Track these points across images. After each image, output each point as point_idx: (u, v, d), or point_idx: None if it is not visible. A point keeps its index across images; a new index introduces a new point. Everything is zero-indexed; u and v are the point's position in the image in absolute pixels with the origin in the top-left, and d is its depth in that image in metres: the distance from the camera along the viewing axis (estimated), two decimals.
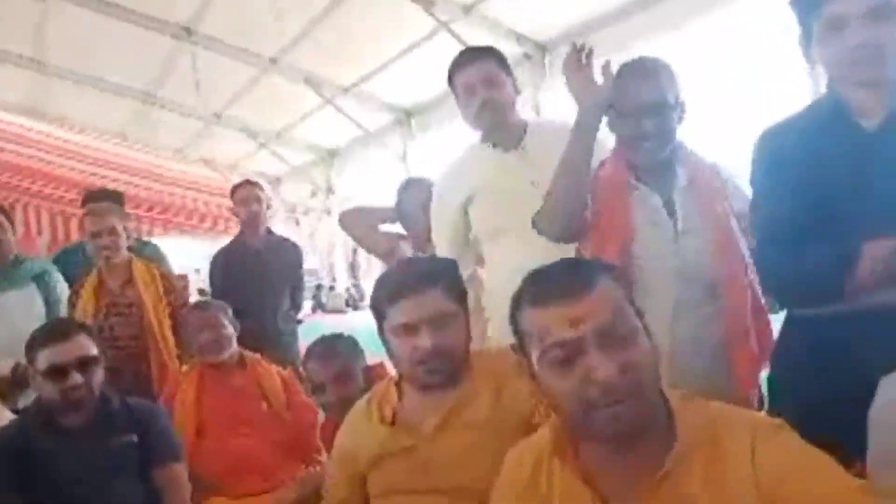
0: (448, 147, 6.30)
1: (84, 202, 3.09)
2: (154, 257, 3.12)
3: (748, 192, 1.52)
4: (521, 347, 0.98)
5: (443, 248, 2.06)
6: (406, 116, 6.35)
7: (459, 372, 1.35)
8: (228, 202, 3.53)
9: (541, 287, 0.94)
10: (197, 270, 6.00)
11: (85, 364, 1.75)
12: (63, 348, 1.73)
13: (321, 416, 2.17)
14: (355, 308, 8.38)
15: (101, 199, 3.07)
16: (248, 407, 2.34)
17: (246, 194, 3.30)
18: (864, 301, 1.21)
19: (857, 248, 1.20)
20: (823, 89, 1.41)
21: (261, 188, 3.36)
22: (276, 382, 2.40)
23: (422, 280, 1.33)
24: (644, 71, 1.58)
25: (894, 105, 1.27)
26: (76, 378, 1.71)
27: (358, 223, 2.58)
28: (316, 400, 2.00)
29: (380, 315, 1.37)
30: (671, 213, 1.56)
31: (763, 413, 1.14)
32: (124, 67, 6.07)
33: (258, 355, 2.50)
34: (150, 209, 6.40)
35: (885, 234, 1.19)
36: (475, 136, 2.03)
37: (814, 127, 1.35)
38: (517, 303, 0.97)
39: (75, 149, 6.52)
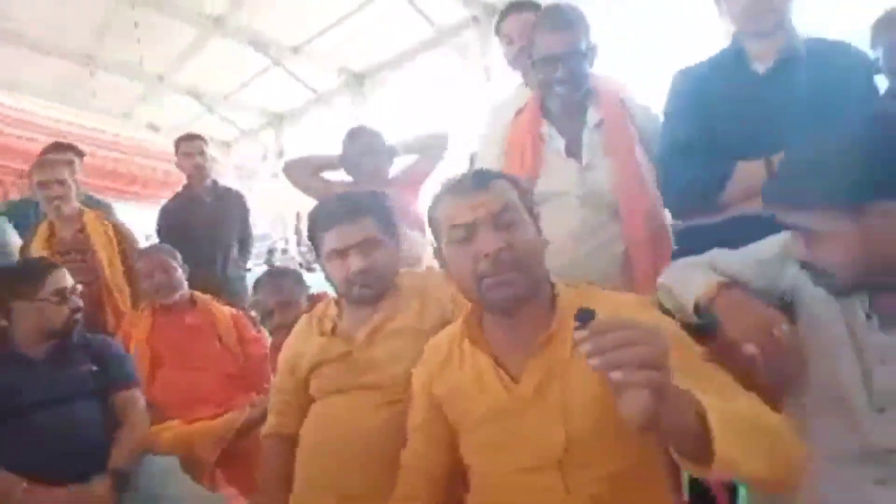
0: (401, 110, 6.39)
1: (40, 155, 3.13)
2: (104, 210, 3.18)
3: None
4: (435, 237, 1.19)
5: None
6: (356, 78, 6.34)
7: (388, 289, 1.54)
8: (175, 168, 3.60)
9: (456, 185, 1.16)
10: (147, 237, 6.00)
11: (74, 291, 1.99)
12: (62, 273, 2.00)
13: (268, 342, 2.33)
14: (308, 270, 8.49)
15: (52, 151, 3.11)
16: (201, 343, 2.49)
17: (189, 148, 3.40)
18: (733, 212, 1.44)
19: (732, 168, 1.42)
20: None
21: (204, 141, 3.45)
22: (227, 320, 2.56)
23: (351, 210, 1.50)
24: (557, 21, 1.76)
25: (783, 52, 1.50)
26: (77, 301, 2.00)
27: (301, 171, 2.70)
28: (264, 325, 2.17)
29: (316, 242, 1.54)
30: (577, 151, 1.76)
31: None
32: (57, 26, 5.81)
33: (209, 297, 2.65)
34: (94, 176, 6.33)
35: (763, 157, 1.42)
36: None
37: (716, 69, 1.59)
38: (435, 199, 1.19)
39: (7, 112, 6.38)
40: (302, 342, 1.60)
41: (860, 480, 1.06)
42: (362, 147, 2.54)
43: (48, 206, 2.78)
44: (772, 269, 1.20)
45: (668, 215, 1.84)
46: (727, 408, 0.82)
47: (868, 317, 1.07)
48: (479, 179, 1.15)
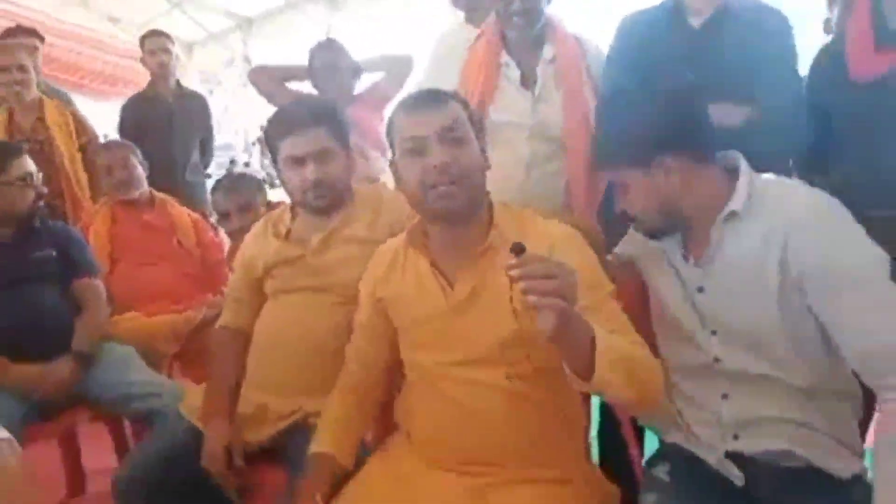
0: (375, 23, 6.25)
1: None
2: (64, 100, 3.14)
3: None
4: (391, 150, 1.28)
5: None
6: None
7: (342, 198, 1.61)
8: (137, 65, 3.53)
9: (410, 101, 1.26)
10: (105, 136, 5.85)
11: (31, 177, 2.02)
12: (26, 159, 2.02)
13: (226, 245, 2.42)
14: (271, 186, 8.42)
15: (13, 35, 3.03)
16: (159, 241, 2.56)
17: (155, 45, 3.34)
18: None
19: None
20: None
21: (170, 40, 3.39)
22: (185, 221, 2.62)
23: (308, 119, 1.53)
24: None
25: (715, 10, 1.59)
26: (40, 187, 2.04)
27: (267, 79, 2.71)
28: (221, 227, 2.24)
29: (272, 148, 1.59)
30: (532, 83, 1.84)
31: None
32: None
33: (168, 197, 2.69)
34: (51, 67, 6.09)
35: None
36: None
37: (656, 20, 1.67)
38: (392, 114, 1.27)
39: None
40: (258, 244, 1.67)
41: (707, 394, 1.24)
42: (328, 61, 2.58)
43: (8, 91, 2.74)
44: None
45: None
46: (612, 340, 1.03)
47: (684, 256, 1.24)
48: (432, 97, 1.24)
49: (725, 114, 1.49)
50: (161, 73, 3.36)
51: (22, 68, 2.73)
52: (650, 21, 1.68)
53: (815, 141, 1.51)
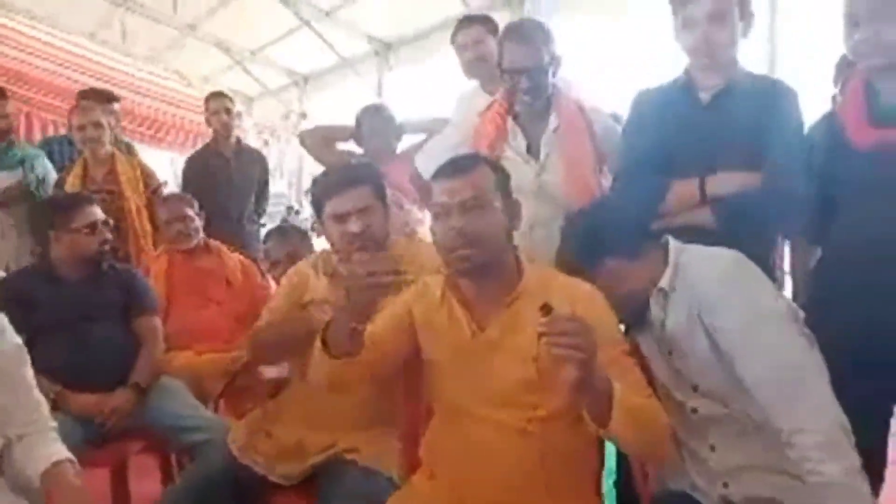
0: (424, 84, 6.51)
1: (78, 99, 3.36)
2: (126, 149, 3.43)
3: None
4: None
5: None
6: (384, 48, 6.40)
7: (381, 249, 1.73)
8: (199, 117, 3.83)
9: (442, 169, 1.40)
10: (165, 182, 6.17)
11: (104, 223, 2.22)
12: (94, 208, 2.22)
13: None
14: (319, 235, 8.63)
15: (91, 97, 3.34)
16: (211, 285, 2.75)
17: (218, 105, 3.64)
18: (669, 222, 1.65)
19: (669, 185, 1.65)
20: None
21: (231, 101, 3.70)
22: (236, 265, 2.82)
23: (350, 179, 1.70)
24: (521, 35, 1.96)
25: (722, 86, 1.69)
26: (106, 233, 2.22)
27: (315, 141, 2.91)
28: (271, 273, 2.42)
29: (318, 206, 1.74)
30: (536, 152, 1.98)
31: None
32: None
33: (221, 244, 2.90)
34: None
35: (701, 176, 1.63)
36: (452, 75, 2.44)
37: (670, 94, 1.78)
38: (431, 178, 1.42)
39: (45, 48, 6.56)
40: (306, 276, 1.81)
41: (698, 445, 1.34)
42: (374, 125, 2.79)
43: (84, 147, 3.03)
44: None
45: None
46: (627, 394, 1.15)
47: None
48: (461, 166, 1.39)
49: (719, 183, 1.60)
50: (222, 131, 3.66)
51: (97, 125, 3.01)
52: (663, 96, 1.78)
53: (818, 209, 1.58)
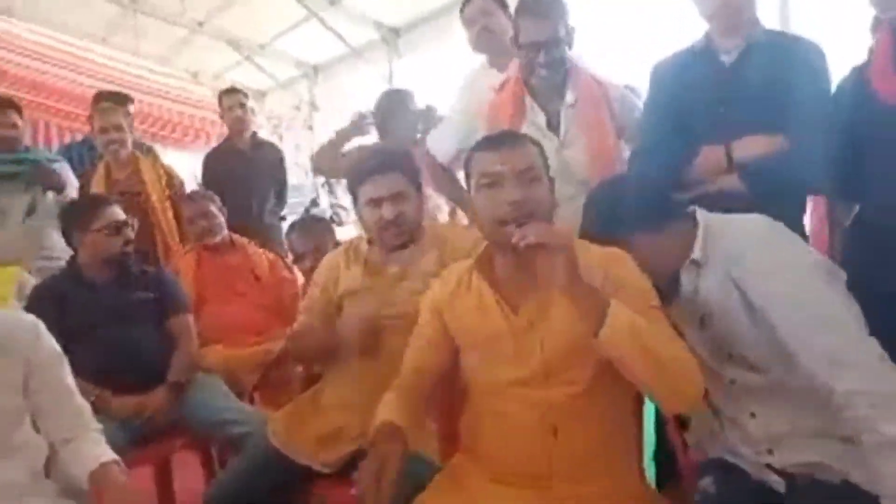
0: (434, 69, 6.46)
1: (94, 102, 3.37)
2: (148, 152, 3.46)
3: None
4: (467, 184, 1.40)
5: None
6: (393, 35, 6.34)
7: (414, 236, 1.75)
8: (213, 116, 3.83)
9: (491, 140, 1.39)
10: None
11: (126, 224, 2.24)
12: (115, 208, 2.25)
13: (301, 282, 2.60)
14: (339, 225, 8.71)
15: (109, 99, 3.36)
16: (239, 280, 2.79)
17: (232, 101, 3.64)
18: (698, 190, 1.63)
19: (697, 151, 1.62)
20: None
21: (245, 95, 3.70)
22: (262, 260, 2.86)
23: (384, 164, 1.70)
24: (537, 10, 1.94)
25: (747, 42, 1.66)
26: (129, 234, 2.24)
27: (326, 159, 2.86)
28: (296, 266, 2.43)
29: (353, 193, 1.76)
30: (556, 127, 1.96)
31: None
32: None
33: (246, 239, 2.93)
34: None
35: (726, 140, 1.60)
36: (462, 59, 2.41)
37: (689, 60, 1.76)
38: (471, 152, 1.39)
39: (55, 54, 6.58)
40: (337, 268, 1.82)
41: (737, 413, 1.32)
42: (391, 111, 2.77)
43: (106, 150, 3.06)
44: None
45: None
46: (632, 315, 1.14)
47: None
48: (512, 137, 1.38)
49: (745, 148, 1.57)
50: (238, 127, 3.66)
51: (118, 128, 3.04)
52: (682, 64, 1.76)
53: (848, 167, 1.55)
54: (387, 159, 1.74)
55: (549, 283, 1.16)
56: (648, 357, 1.13)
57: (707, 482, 1.33)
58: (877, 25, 2.22)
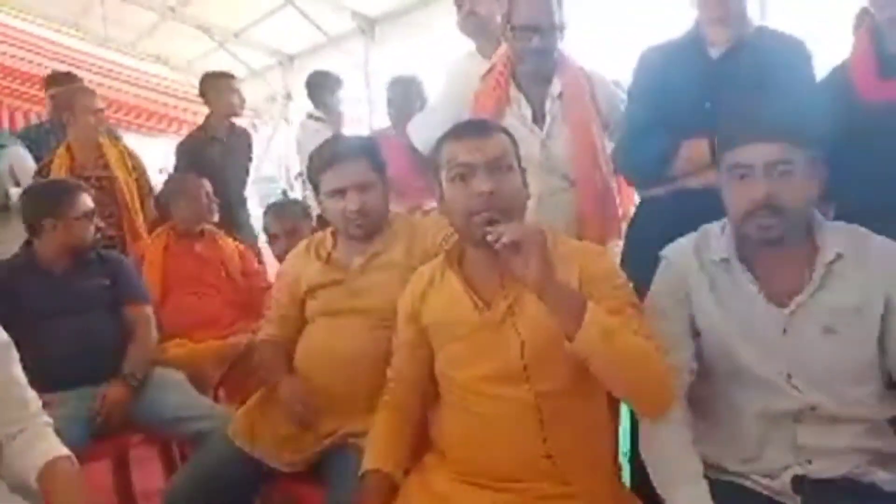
0: (410, 60, 6.39)
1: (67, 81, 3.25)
2: (118, 140, 3.34)
3: None
4: (436, 176, 1.33)
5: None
6: (369, 24, 6.24)
7: (380, 226, 1.68)
8: (187, 104, 3.72)
9: (460, 129, 1.32)
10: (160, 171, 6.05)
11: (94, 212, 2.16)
12: (88, 196, 2.16)
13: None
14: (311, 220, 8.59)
15: (70, 80, 3.23)
16: (208, 271, 2.69)
17: (224, 85, 3.49)
18: (677, 185, 1.60)
19: (677, 146, 1.58)
20: None
21: (235, 80, 3.58)
22: (233, 253, 2.76)
23: (348, 153, 1.62)
24: None
25: (735, 39, 1.62)
26: (98, 222, 2.20)
27: None
28: (270, 248, 2.36)
29: (315, 182, 1.67)
30: (541, 119, 1.90)
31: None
32: None
33: (218, 230, 2.83)
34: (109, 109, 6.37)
35: (710, 135, 1.56)
36: (438, 50, 2.36)
37: (676, 51, 1.71)
38: (440, 142, 1.33)
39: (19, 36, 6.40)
40: (300, 264, 1.75)
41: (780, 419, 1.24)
42: (394, 99, 2.81)
43: (93, 132, 2.95)
44: None
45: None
46: (605, 316, 1.12)
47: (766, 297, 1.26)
48: (483, 126, 1.32)
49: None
50: (228, 112, 3.50)
51: (103, 110, 2.95)
52: (669, 53, 1.72)
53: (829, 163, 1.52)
54: (350, 146, 1.66)
55: (523, 282, 1.12)
56: (622, 363, 1.12)
57: None
58: (859, 25, 2.22)
